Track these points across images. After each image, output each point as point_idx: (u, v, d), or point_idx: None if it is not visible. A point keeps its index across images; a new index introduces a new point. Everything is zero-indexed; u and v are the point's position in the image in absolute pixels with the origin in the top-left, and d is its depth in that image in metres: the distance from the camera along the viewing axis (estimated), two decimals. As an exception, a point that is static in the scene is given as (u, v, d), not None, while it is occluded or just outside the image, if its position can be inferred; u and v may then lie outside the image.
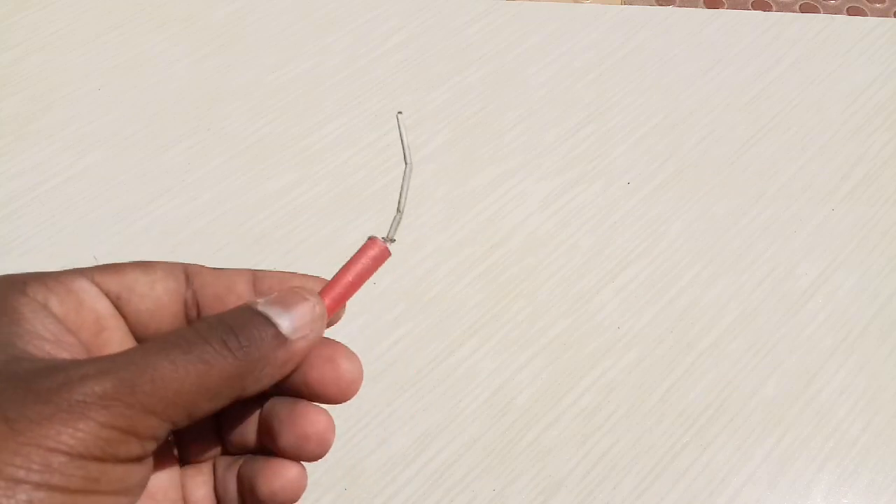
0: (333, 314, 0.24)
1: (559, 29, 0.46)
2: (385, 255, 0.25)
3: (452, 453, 0.32)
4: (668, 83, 0.44)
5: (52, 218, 0.39)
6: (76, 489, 0.16)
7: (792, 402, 0.34)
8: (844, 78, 0.44)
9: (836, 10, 0.49)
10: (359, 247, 0.26)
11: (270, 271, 0.24)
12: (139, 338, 0.23)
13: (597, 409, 0.33)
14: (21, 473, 0.16)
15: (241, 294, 0.23)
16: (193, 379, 0.19)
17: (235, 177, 0.40)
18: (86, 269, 0.22)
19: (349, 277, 0.24)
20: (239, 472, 0.23)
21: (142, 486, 0.19)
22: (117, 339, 0.22)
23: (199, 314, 0.23)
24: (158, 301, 0.22)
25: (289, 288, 0.22)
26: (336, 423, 0.34)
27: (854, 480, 0.32)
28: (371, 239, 0.24)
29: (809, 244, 0.38)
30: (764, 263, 0.37)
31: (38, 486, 0.16)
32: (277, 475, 0.23)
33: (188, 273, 0.23)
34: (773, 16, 0.47)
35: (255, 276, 0.23)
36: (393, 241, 0.25)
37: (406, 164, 0.25)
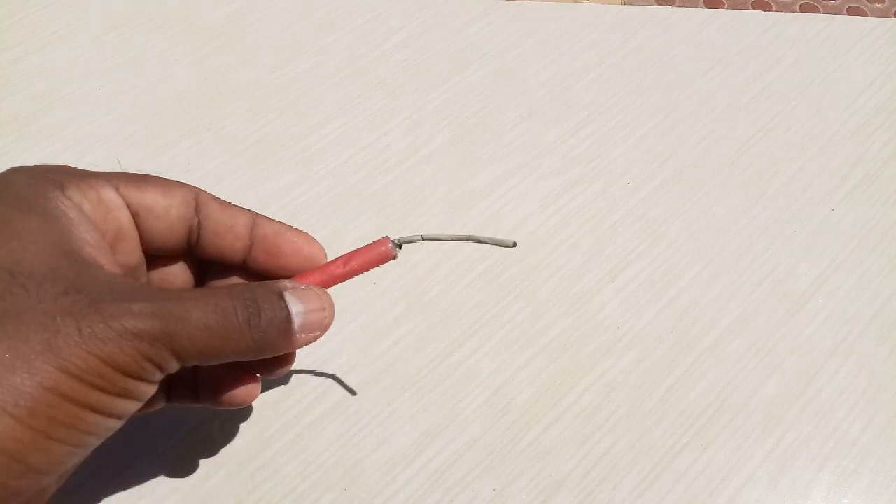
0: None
1: (559, 29, 0.46)
2: (389, 257, 0.26)
3: (452, 453, 0.32)
4: (668, 83, 0.44)
5: (52, 218, 0.39)
6: (114, 394, 0.21)
7: (792, 402, 0.34)
8: (844, 78, 0.44)
9: (836, 10, 0.49)
10: (362, 243, 0.27)
11: (270, 220, 0.27)
12: (145, 250, 0.26)
13: (597, 409, 0.33)
14: (77, 372, 0.20)
15: (238, 234, 0.26)
16: (217, 345, 0.22)
17: (235, 177, 0.40)
18: (111, 175, 0.25)
19: (351, 265, 0.26)
20: (202, 370, 0.26)
21: (153, 392, 0.23)
22: (129, 251, 0.25)
23: (198, 242, 0.26)
24: (170, 224, 0.25)
25: (315, 290, 0.25)
26: (336, 423, 0.34)
27: (854, 480, 0.32)
28: (385, 238, 0.27)
29: (809, 244, 0.38)
30: (764, 263, 0.37)
31: (90, 385, 0.20)
32: (239, 382, 0.26)
33: (198, 202, 0.26)
34: (773, 16, 0.47)
35: (255, 221, 0.26)
36: (399, 247, 0.27)
37: (470, 238, 0.28)
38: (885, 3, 0.49)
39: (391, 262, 0.26)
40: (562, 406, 0.33)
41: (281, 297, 0.24)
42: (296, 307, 0.24)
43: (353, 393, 0.33)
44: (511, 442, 0.33)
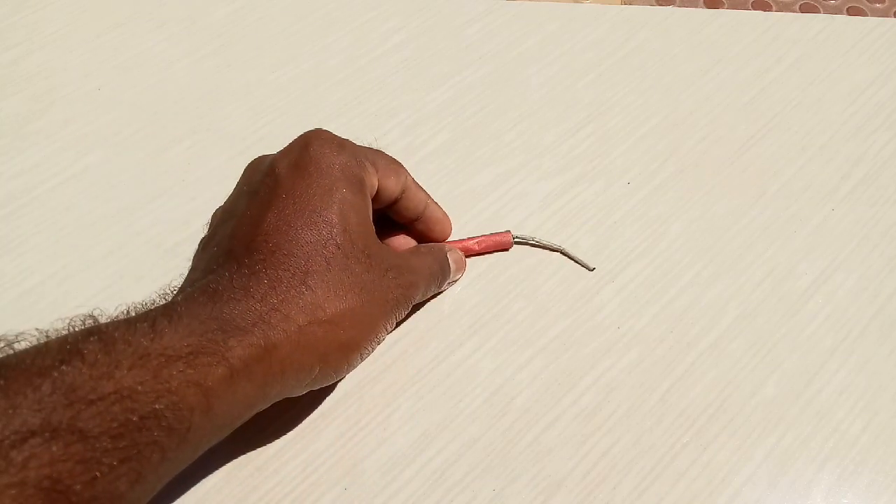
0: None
1: (559, 29, 0.46)
2: (507, 245, 0.38)
3: (452, 453, 0.32)
4: (668, 83, 0.44)
5: (52, 218, 0.39)
6: (396, 323, 0.32)
7: (792, 402, 0.34)
8: (844, 78, 0.44)
9: (836, 10, 0.49)
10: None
11: (435, 205, 0.36)
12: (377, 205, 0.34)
13: (597, 409, 0.33)
14: (392, 315, 0.31)
15: (417, 211, 0.35)
16: (428, 284, 0.34)
17: (235, 177, 0.40)
18: (373, 158, 0.32)
19: (483, 245, 0.37)
20: None
21: None
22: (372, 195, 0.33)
23: (391, 207, 0.34)
24: (389, 199, 0.33)
25: (460, 254, 0.36)
26: (336, 423, 0.34)
27: (854, 480, 0.32)
28: (508, 232, 0.38)
29: (809, 244, 0.38)
30: (764, 263, 0.37)
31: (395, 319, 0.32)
32: None
33: (405, 186, 0.34)
34: (773, 16, 0.47)
35: (427, 203, 0.35)
36: (515, 239, 0.38)
37: (563, 251, 0.38)
38: (885, 3, 0.49)
39: (504, 252, 0.38)
40: (561, 406, 0.33)
41: (447, 257, 0.35)
42: (453, 263, 0.35)
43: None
44: (511, 442, 0.33)
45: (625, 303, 0.36)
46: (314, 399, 0.33)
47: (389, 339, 0.35)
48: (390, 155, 0.34)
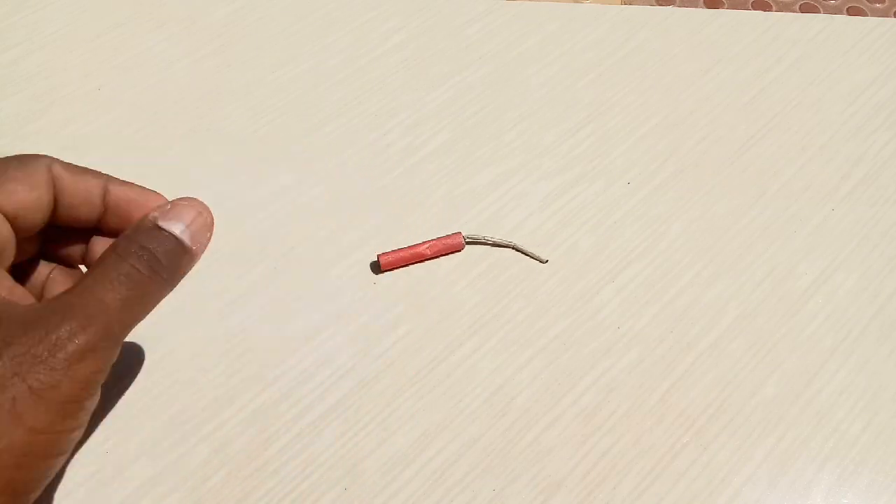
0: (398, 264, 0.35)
1: (559, 29, 0.46)
2: (459, 247, 0.37)
3: (452, 453, 0.32)
4: (668, 83, 0.44)
5: (51, 218, 0.39)
6: (82, 409, 0.21)
7: (792, 402, 0.34)
8: (844, 78, 0.44)
9: (836, 10, 0.49)
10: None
11: (122, 184, 0.26)
12: (19, 236, 0.24)
13: (597, 409, 0.33)
14: (44, 427, 0.20)
15: (93, 204, 0.25)
16: (141, 306, 0.23)
17: (235, 177, 0.40)
18: None
19: (434, 249, 0.36)
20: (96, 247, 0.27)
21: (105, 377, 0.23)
22: (10, 250, 0.24)
23: (54, 213, 0.25)
24: (42, 211, 0.24)
25: (181, 202, 0.25)
26: (335, 423, 0.34)
27: (854, 480, 0.32)
28: (459, 233, 0.37)
29: (809, 244, 0.38)
30: (764, 263, 0.37)
31: (61, 429, 0.21)
32: None
33: (53, 175, 0.25)
34: (773, 16, 0.47)
35: (107, 187, 0.26)
36: (467, 239, 0.37)
37: (514, 246, 0.37)
38: (885, 3, 0.49)
39: (456, 253, 0.37)
40: (562, 406, 0.33)
41: (159, 228, 0.24)
42: (177, 227, 0.24)
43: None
44: (511, 442, 0.33)
45: (625, 303, 0.36)
46: (314, 399, 0.33)
47: (389, 339, 0.35)
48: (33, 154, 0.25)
